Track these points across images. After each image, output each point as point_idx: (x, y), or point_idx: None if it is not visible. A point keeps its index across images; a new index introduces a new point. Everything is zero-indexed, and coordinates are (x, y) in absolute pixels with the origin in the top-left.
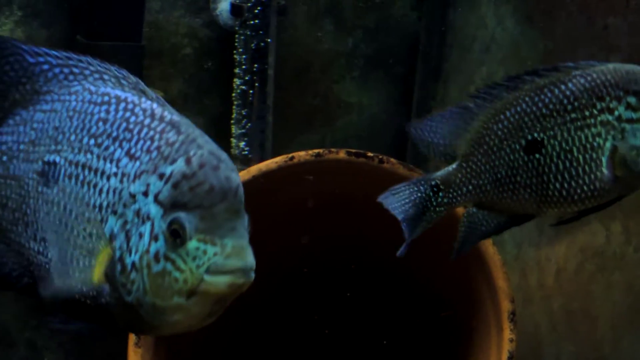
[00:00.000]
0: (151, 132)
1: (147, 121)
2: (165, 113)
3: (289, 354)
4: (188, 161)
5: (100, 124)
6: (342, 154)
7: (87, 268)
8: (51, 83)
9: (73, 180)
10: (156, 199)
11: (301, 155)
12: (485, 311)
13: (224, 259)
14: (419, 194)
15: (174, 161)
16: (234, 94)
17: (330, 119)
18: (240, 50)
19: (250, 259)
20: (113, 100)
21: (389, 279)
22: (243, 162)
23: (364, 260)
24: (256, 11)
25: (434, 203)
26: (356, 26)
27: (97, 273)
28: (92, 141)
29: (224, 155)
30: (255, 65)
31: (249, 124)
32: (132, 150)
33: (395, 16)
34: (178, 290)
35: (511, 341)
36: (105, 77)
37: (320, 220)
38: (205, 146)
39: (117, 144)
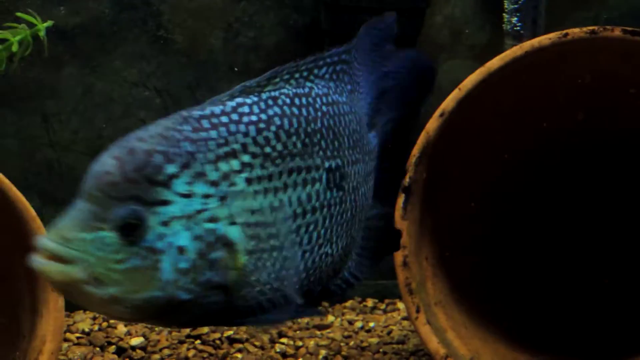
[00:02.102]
0: None
1: None
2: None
3: (560, 234)
4: None
5: None
6: (617, 32)
7: None
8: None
9: None
10: None
11: (575, 32)
12: None
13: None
14: None
15: None
16: None
17: None
18: None
19: (50, 245)
20: None
21: None
22: (515, 37)
23: (633, 144)
24: None
25: None
26: None
27: None
28: None
29: (128, 145)
30: None
31: (523, 0)
32: None
33: None
34: None
35: None
36: None
37: (593, 99)
38: (136, 132)
39: None
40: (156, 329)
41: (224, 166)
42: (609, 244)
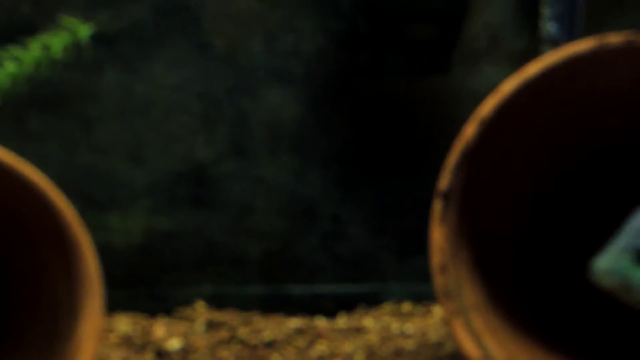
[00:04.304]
0: None
1: None
2: None
3: (597, 241)
4: None
5: None
6: None
7: None
8: None
9: None
10: None
11: (612, 38)
12: None
13: None
14: None
15: None
16: None
17: None
18: None
19: None
20: None
21: None
22: (553, 44)
23: None
24: None
25: None
26: None
27: None
28: None
29: None
30: None
31: (560, 7)
32: None
33: None
34: None
35: None
36: None
37: (630, 107)
38: None
39: None
40: (195, 332)
41: None
42: None
